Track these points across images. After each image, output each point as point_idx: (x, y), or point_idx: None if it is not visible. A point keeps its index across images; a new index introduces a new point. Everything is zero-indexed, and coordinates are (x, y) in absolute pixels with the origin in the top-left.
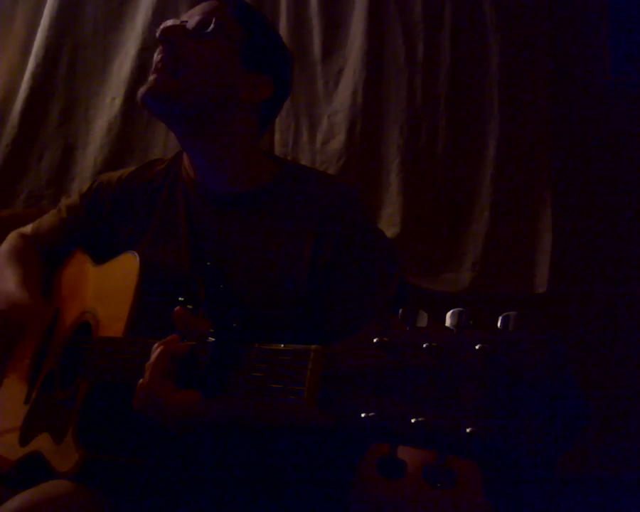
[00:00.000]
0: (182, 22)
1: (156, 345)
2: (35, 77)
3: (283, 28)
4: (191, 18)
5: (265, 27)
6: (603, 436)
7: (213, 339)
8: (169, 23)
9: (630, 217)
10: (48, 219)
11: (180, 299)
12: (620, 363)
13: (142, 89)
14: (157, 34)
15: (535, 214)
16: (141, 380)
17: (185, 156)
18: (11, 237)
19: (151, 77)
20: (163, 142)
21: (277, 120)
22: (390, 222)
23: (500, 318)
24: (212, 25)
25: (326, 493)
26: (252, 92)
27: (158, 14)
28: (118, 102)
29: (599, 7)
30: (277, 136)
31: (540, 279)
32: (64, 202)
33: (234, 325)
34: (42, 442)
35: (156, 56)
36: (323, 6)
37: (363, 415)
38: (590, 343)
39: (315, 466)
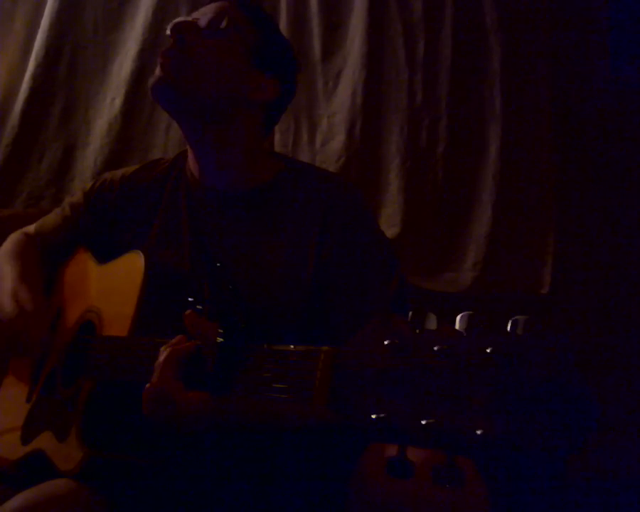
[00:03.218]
0: (194, 19)
1: (163, 347)
2: (35, 77)
3: (283, 28)
4: (203, 16)
5: (275, 29)
6: (604, 436)
7: (222, 340)
8: (181, 19)
9: (633, 216)
10: (51, 217)
11: (189, 299)
12: (622, 364)
13: (151, 80)
14: (167, 30)
15: (538, 214)
16: (148, 384)
17: (190, 155)
18: (14, 236)
19: (160, 65)
20: (163, 142)
21: None
22: (390, 222)
23: (510, 321)
24: (224, 23)
25: (325, 490)
26: (259, 92)
27: (159, 14)
28: (118, 102)
29: (599, 6)
30: (277, 137)
31: (544, 280)
32: (68, 200)
33: (242, 325)
34: (44, 441)
35: (164, 49)
36: (323, 6)
37: (373, 416)
38: (592, 344)
39: (315, 463)
